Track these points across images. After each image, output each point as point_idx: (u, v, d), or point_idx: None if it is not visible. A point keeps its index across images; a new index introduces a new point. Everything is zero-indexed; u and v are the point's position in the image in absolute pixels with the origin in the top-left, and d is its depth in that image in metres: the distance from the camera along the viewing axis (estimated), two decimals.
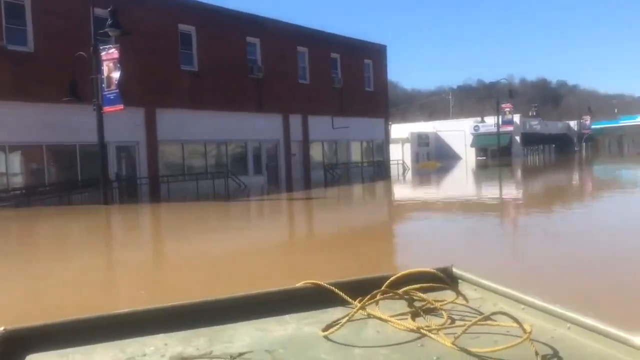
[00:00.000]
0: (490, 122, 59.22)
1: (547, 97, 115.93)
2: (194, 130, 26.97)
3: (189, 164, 27.83)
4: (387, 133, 39.64)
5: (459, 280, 1.81)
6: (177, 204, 20.99)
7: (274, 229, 14.47)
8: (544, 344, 1.30)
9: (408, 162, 46.20)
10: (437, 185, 29.00)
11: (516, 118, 57.58)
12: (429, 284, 1.68)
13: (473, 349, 1.26)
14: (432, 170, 41.91)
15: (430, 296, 1.62)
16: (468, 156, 60.65)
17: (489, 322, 1.36)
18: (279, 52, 31.34)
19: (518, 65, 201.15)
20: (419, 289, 1.64)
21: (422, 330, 1.39)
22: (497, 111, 41.94)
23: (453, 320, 1.49)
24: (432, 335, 1.36)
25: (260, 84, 30.03)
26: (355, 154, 37.29)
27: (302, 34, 33.28)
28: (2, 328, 1.39)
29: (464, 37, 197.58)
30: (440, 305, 1.58)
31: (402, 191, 26.45)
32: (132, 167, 25.24)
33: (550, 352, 1.27)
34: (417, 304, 1.57)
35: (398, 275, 1.66)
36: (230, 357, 1.31)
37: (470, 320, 1.37)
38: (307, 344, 1.37)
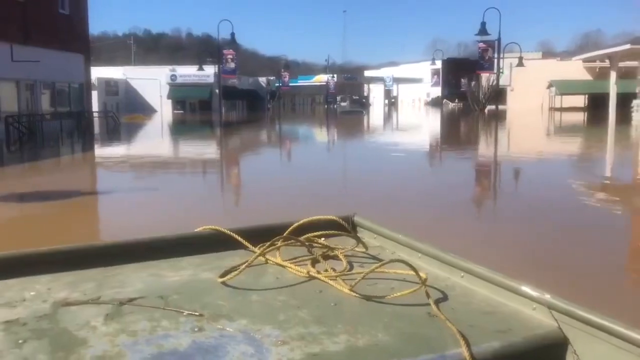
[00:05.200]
0: (188, 72, 52.93)
1: (213, 53, 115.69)
2: None
3: None
4: (88, 74, 29.38)
5: (360, 228, 1.78)
6: None
7: None
8: (438, 290, 1.30)
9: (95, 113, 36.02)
10: (173, 144, 23.45)
11: (212, 70, 51.82)
12: (330, 232, 1.64)
13: (370, 295, 1.24)
14: (142, 124, 34.06)
15: (331, 243, 1.59)
16: (164, 109, 53.07)
17: (386, 269, 1.34)
18: None
19: (186, 19, 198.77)
20: (321, 236, 1.62)
21: (320, 276, 1.35)
22: (220, 59, 35.64)
23: (352, 267, 1.46)
24: (331, 282, 1.33)
25: None
26: (47, 102, 26.42)
27: None
28: None
29: None
30: (340, 253, 1.54)
31: (134, 150, 18.23)
32: None
33: (443, 298, 1.27)
34: (318, 251, 1.54)
35: (300, 222, 1.61)
36: (120, 302, 1.18)
37: (369, 267, 1.33)
38: (203, 290, 1.28)
